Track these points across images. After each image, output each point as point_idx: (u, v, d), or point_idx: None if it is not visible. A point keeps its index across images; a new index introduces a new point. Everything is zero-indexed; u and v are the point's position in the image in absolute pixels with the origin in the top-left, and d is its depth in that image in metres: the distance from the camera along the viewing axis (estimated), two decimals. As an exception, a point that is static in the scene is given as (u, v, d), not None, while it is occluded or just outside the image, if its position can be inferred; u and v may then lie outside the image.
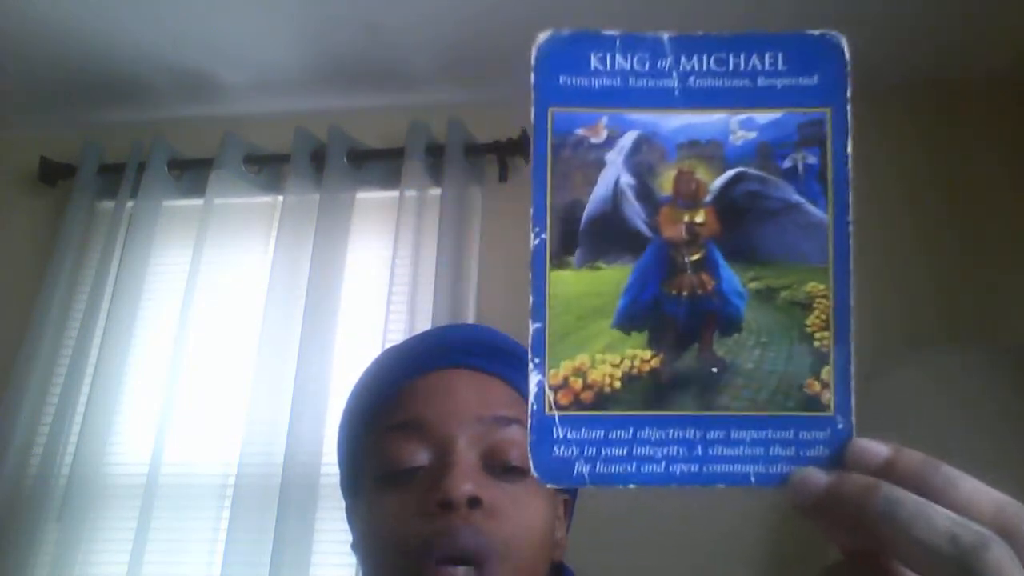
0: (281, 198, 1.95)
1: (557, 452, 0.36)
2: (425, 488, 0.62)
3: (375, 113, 2.05)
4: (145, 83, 2.01)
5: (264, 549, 1.54)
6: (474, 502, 0.60)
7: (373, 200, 1.96)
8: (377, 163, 1.95)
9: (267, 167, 1.99)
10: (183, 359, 1.75)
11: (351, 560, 0.70)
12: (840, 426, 0.36)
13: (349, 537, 0.71)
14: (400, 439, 0.65)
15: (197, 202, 1.94)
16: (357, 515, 0.68)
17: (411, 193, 1.85)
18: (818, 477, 0.34)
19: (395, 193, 1.87)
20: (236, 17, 1.81)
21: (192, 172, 1.99)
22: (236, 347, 1.81)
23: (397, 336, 1.68)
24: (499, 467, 0.64)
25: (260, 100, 2.07)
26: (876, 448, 0.34)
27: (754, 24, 1.78)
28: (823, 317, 0.36)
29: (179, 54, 1.92)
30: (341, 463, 0.73)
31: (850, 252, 0.36)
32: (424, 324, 1.68)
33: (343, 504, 0.74)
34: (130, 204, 1.95)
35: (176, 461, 1.70)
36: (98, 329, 1.82)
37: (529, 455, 0.36)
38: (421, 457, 0.64)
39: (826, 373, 0.36)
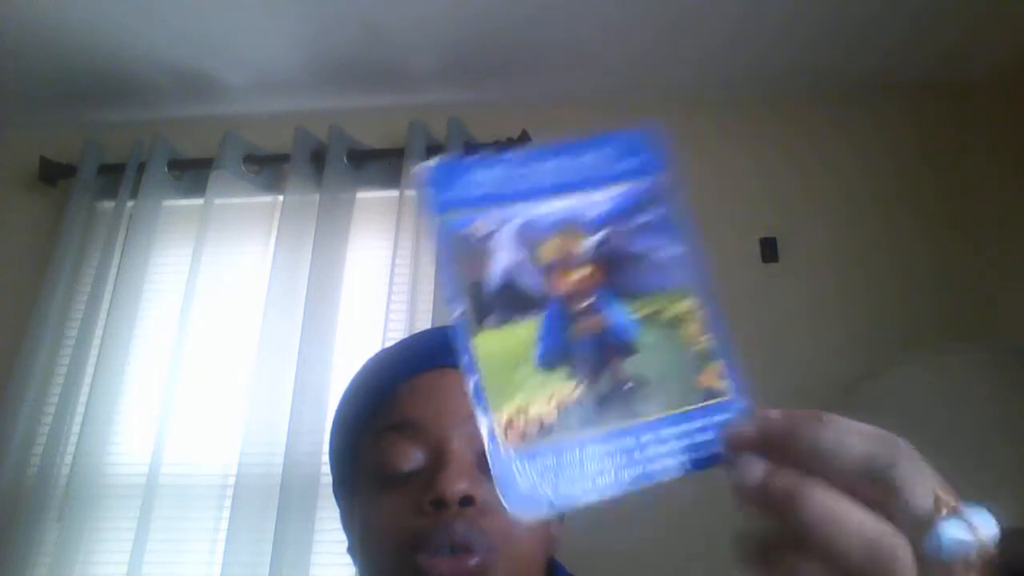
0: (281, 198, 1.95)
1: (522, 485, 0.41)
2: (420, 488, 0.62)
3: (375, 113, 2.05)
4: (145, 83, 2.01)
5: (264, 549, 1.54)
6: (467, 500, 0.61)
7: (373, 200, 1.96)
8: (377, 163, 1.95)
9: (267, 167, 1.99)
10: (183, 359, 1.75)
11: (350, 561, 0.70)
12: (741, 405, 0.43)
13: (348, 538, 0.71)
14: (395, 441, 0.65)
15: (197, 202, 1.93)
16: (354, 518, 0.68)
17: (411, 193, 1.85)
18: (751, 474, 0.39)
19: (395, 193, 1.87)
20: (236, 17, 1.81)
21: (192, 172, 1.99)
22: (236, 347, 1.81)
23: (397, 336, 1.68)
24: None
25: (260, 100, 2.07)
26: (769, 417, 0.40)
27: (755, 23, 1.79)
28: (700, 324, 0.45)
29: (179, 54, 1.92)
30: (335, 466, 0.73)
31: (707, 271, 0.45)
32: (424, 324, 1.68)
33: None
34: (130, 204, 1.95)
35: (176, 461, 1.70)
36: (98, 329, 1.82)
37: (499, 494, 0.40)
38: (416, 458, 0.64)
39: (715, 367, 0.44)
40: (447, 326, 0.74)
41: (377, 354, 0.76)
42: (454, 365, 0.68)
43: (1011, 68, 1.87)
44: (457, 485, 0.61)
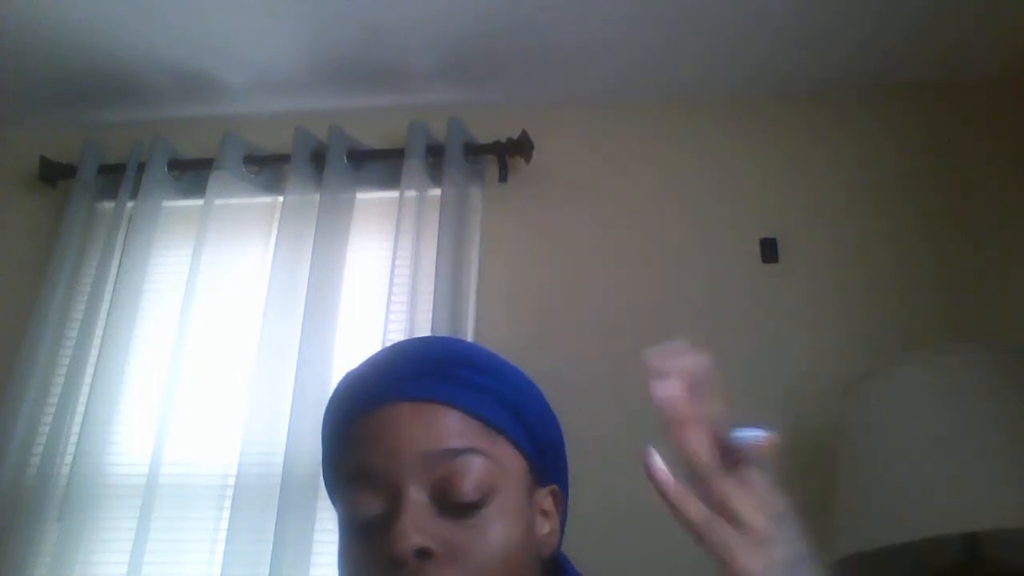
0: (281, 198, 1.95)
1: None
2: (379, 542, 0.61)
3: (375, 113, 2.05)
4: (145, 83, 2.01)
5: (264, 549, 1.54)
6: (423, 554, 0.59)
7: (373, 200, 1.96)
8: (377, 163, 1.95)
9: (267, 167, 1.99)
10: (183, 359, 1.75)
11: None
12: None
13: None
14: (354, 491, 0.64)
15: (197, 202, 1.93)
16: (337, 555, 0.68)
17: (411, 193, 1.85)
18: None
19: (395, 193, 1.87)
20: (236, 17, 1.81)
21: (192, 172, 1.99)
22: (236, 347, 1.81)
23: (397, 336, 1.68)
24: (452, 504, 0.62)
25: (260, 100, 2.07)
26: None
27: (756, 23, 1.78)
28: None
29: (179, 54, 1.92)
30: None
31: None
32: (424, 324, 1.68)
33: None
34: (130, 204, 1.95)
35: (176, 461, 1.70)
36: (98, 329, 1.81)
37: None
38: (376, 506, 0.63)
39: None
40: (403, 345, 0.70)
41: (340, 383, 0.73)
42: (409, 398, 0.65)
43: (1011, 68, 1.87)
44: (410, 540, 0.58)
